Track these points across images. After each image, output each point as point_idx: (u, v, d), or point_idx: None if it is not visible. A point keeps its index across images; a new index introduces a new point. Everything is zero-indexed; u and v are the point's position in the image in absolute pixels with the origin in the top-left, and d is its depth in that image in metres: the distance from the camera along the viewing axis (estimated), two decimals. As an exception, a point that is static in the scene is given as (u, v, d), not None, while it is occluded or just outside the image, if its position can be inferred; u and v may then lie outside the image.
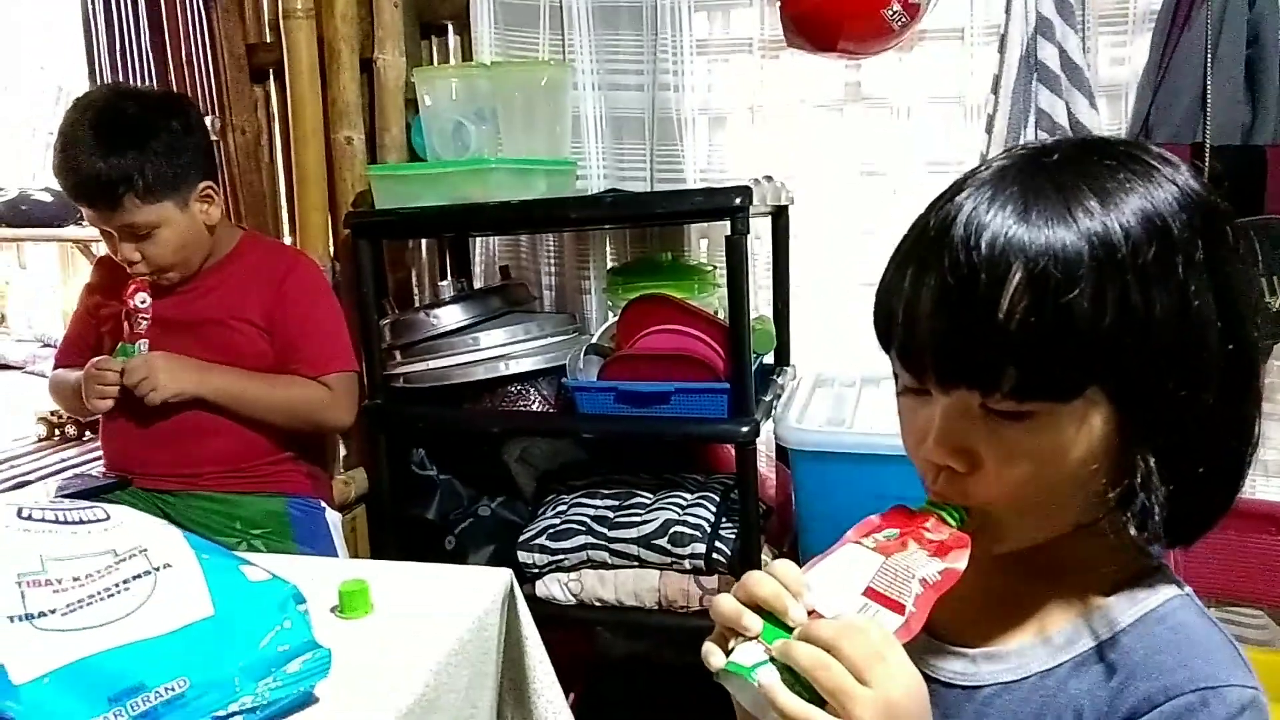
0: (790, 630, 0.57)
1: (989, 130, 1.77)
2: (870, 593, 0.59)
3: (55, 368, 1.78)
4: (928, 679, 0.59)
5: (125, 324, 1.57)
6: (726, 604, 0.59)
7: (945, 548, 0.61)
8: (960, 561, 0.60)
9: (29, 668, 0.69)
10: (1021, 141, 0.57)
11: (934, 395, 0.60)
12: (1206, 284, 0.56)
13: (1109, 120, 1.80)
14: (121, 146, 1.48)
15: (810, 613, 0.58)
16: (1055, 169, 0.58)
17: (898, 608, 0.58)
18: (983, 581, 0.63)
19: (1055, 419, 0.56)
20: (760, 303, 2.01)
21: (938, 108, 1.90)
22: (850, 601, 0.58)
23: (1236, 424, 0.60)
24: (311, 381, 1.63)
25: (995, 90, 1.78)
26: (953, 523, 0.62)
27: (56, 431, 3.02)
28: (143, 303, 1.56)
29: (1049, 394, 0.56)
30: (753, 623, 0.57)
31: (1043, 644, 0.64)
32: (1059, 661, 0.63)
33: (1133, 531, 0.60)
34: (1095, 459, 0.58)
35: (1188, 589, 0.65)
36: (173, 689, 0.74)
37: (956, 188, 0.60)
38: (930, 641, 0.67)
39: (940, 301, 0.56)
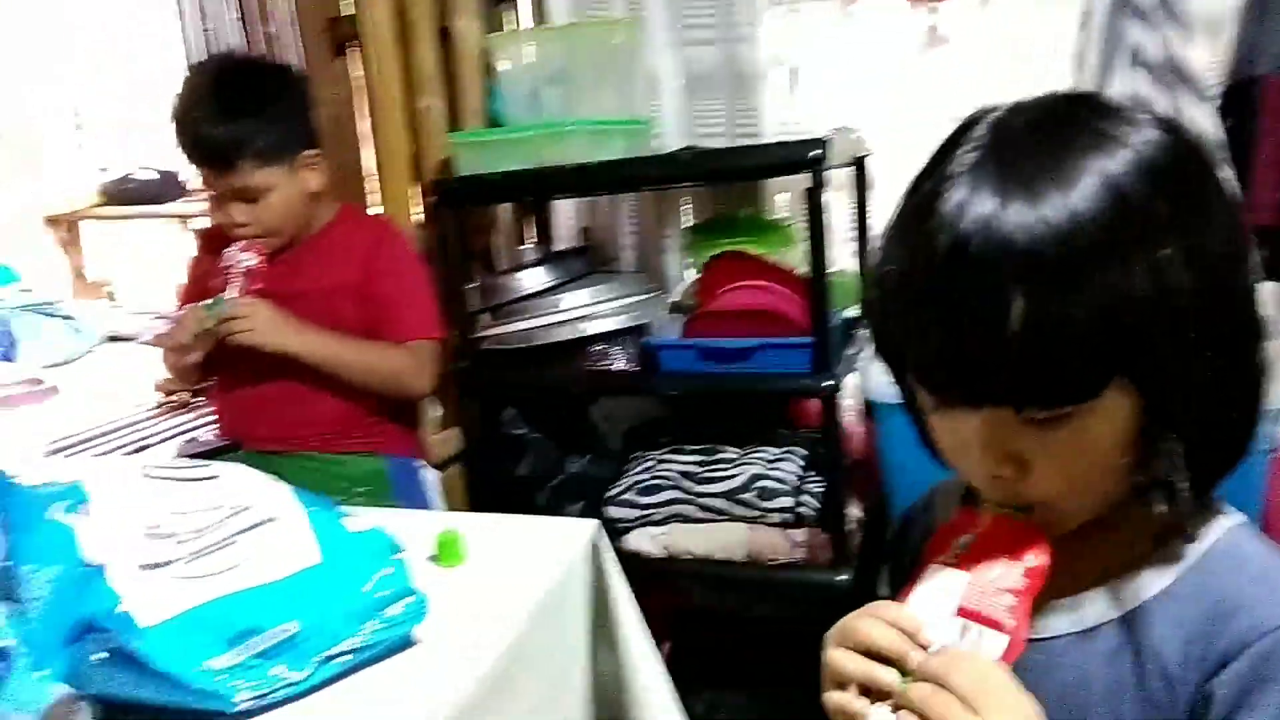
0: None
1: (1079, 70, 1.71)
2: (964, 613, 0.60)
3: None
4: None
5: (222, 280, 1.59)
6: (853, 664, 0.60)
7: (1022, 546, 0.61)
8: (1042, 557, 0.61)
9: (155, 612, 0.75)
10: (1001, 110, 0.55)
11: (965, 410, 0.60)
12: (1179, 248, 0.54)
13: (1208, 54, 1.71)
14: (240, 111, 1.53)
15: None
16: (1024, 164, 0.56)
17: (997, 625, 0.59)
18: None
19: (1091, 414, 0.57)
20: (841, 256, 1.98)
21: (1021, 49, 1.84)
22: (949, 628, 0.60)
23: (1244, 373, 0.60)
24: (397, 348, 1.68)
25: (1084, 28, 1.71)
26: (1019, 517, 0.62)
27: (171, 398, 3.19)
28: (245, 261, 1.58)
29: (1078, 396, 0.56)
30: (888, 675, 0.58)
31: (1108, 591, 0.64)
32: (1127, 609, 0.63)
33: (1159, 510, 0.60)
34: (1130, 442, 0.59)
35: (1240, 515, 0.65)
36: (285, 631, 0.79)
37: (927, 202, 0.58)
38: None
39: (950, 334, 0.56)
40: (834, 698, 0.60)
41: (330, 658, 0.82)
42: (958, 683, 0.55)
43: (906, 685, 0.57)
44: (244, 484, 0.89)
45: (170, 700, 0.72)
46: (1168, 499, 0.60)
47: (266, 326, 1.56)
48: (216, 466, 0.90)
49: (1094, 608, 0.64)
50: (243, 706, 0.75)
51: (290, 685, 0.79)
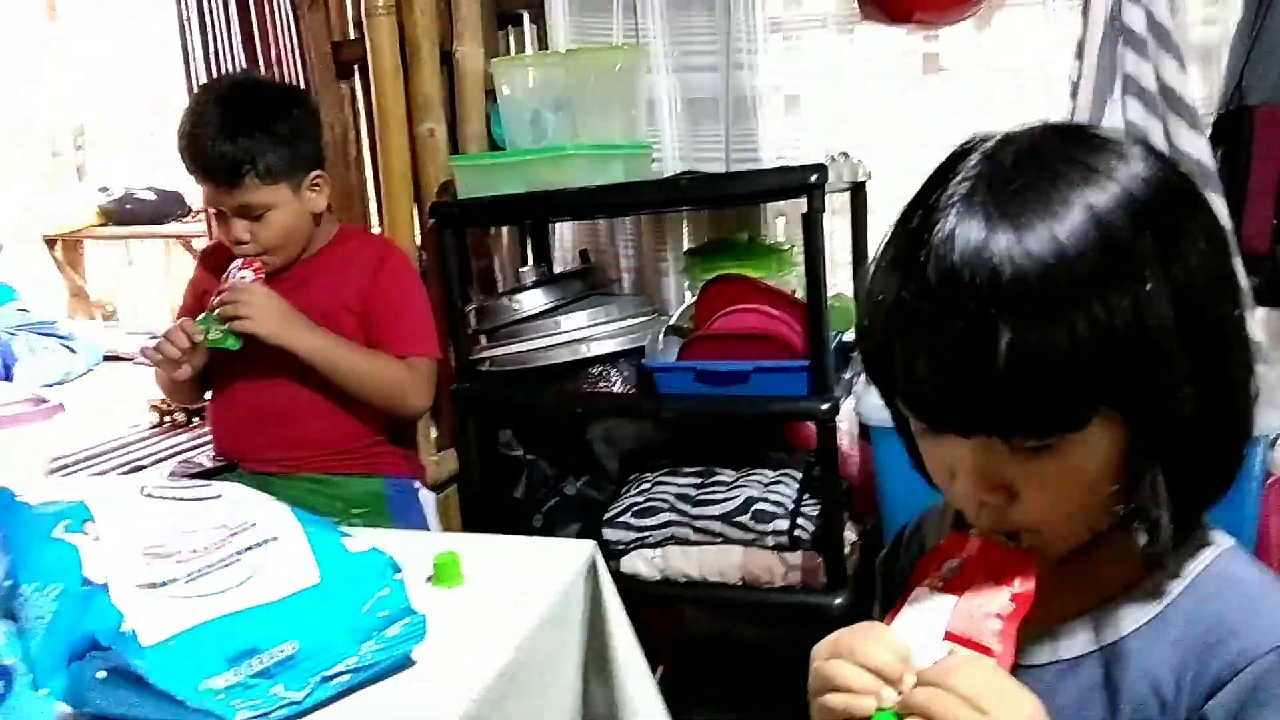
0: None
1: (1074, 98, 1.73)
2: (951, 636, 0.60)
3: None
4: None
5: (214, 297, 1.58)
6: (857, 677, 0.59)
7: (1009, 572, 0.61)
8: (1029, 583, 0.61)
9: (155, 631, 0.75)
10: (992, 141, 0.56)
11: (954, 437, 0.60)
12: (1162, 281, 0.55)
13: (1200, 83, 1.73)
14: (247, 128, 1.55)
15: None
16: (1013, 196, 0.56)
17: (984, 650, 0.59)
18: None
19: (1078, 443, 0.58)
20: (839, 280, 2.00)
21: (1018, 77, 1.86)
22: (935, 651, 0.60)
23: (1230, 404, 0.60)
24: (396, 361, 1.68)
25: (1079, 56, 1.73)
26: (1008, 543, 0.63)
27: (166, 418, 3.19)
28: (245, 279, 1.58)
29: (1064, 426, 0.57)
30: (891, 693, 0.58)
31: (1097, 619, 0.64)
32: (1123, 634, 0.63)
33: (1141, 541, 0.61)
34: (1117, 470, 0.59)
35: (1230, 539, 0.65)
36: (284, 651, 0.79)
37: (918, 232, 0.58)
38: None
39: (942, 363, 0.57)
40: (835, 699, 0.59)
41: (329, 678, 0.82)
42: (961, 684, 0.55)
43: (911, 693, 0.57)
44: (247, 502, 0.89)
45: (170, 719, 0.72)
46: (1150, 529, 0.60)
47: (265, 315, 1.54)
48: (219, 486, 0.90)
49: (1076, 638, 0.64)
50: (241, 726, 0.75)
51: (289, 705, 0.79)
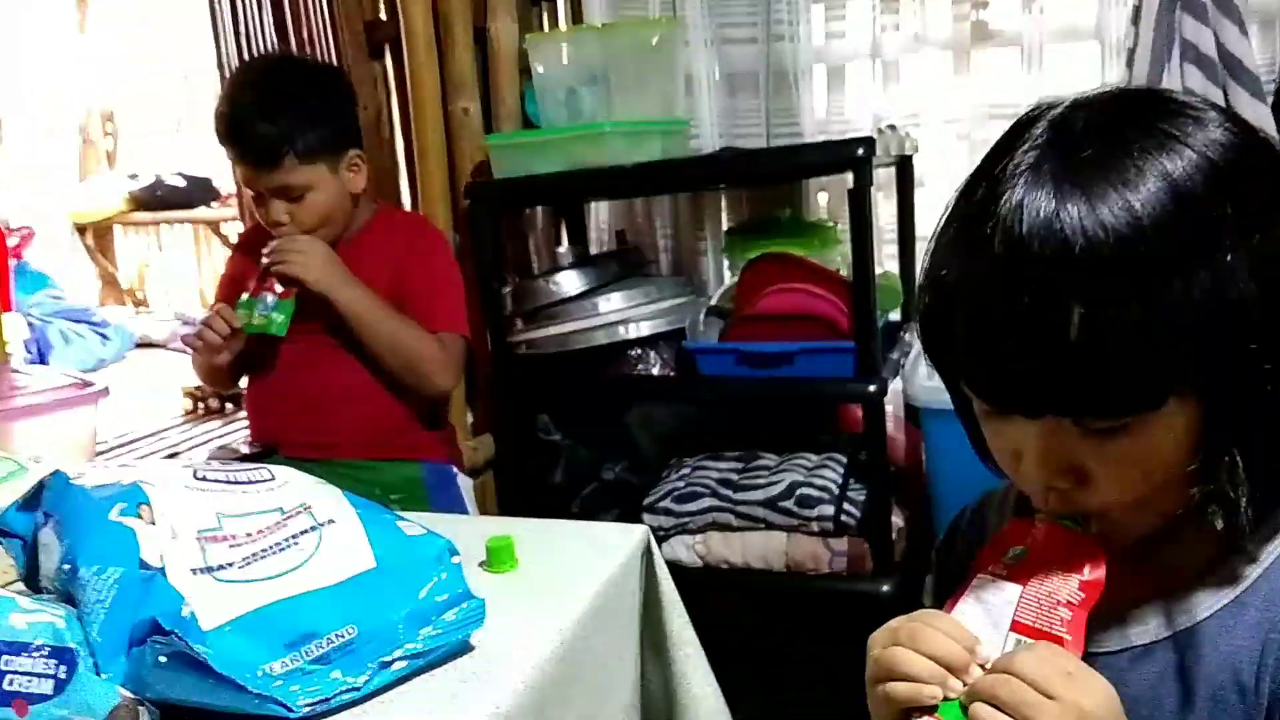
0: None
1: (1129, 65, 1.68)
2: (1018, 627, 0.58)
3: None
4: None
5: (254, 282, 1.58)
6: (921, 666, 0.57)
7: (1078, 559, 0.60)
8: (1099, 570, 0.59)
9: (214, 615, 0.73)
10: (1061, 107, 0.55)
11: (1021, 419, 0.58)
12: (1243, 253, 0.53)
13: (1261, 50, 1.68)
14: (286, 108, 1.53)
15: None
16: (1084, 165, 0.54)
17: (1055, 639, 0.57)
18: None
19: (1152, 423, 0.55)
20: (884, 258, 1.96)
21: (1071, 44, 1.81)
22: (1000, 642, 0.58)
23: None
24: (428, 334, 1.65)
25: (1135, 21, 1.68)
26: (1076, 528, 0.61)
27: (200, 405, 3.20)
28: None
29: (1139, 405, 0.55)
30: (958, 684, 0.57)
31: (1169, 604, 0.62)
32: (1198, 619, 0.61)
33: (1219, 525, 0.58)
34: (1191, 451, 0.57)
35: None
36: (343, 636, 0.77)
37: (984, 204, 0.56)
38: None
39: (1010, 340, 0.55)
40: (900, 688, 0.58)
41: (387, 663, 0.80)
42: (1028, 669, 0.53)
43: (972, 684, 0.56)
44: (300, 485, 0.87)
45: (231, 705, 0.70)
46: (1228, 514, 0.58)
47: (317, 264, 1.54)
48: (272, 468, 0.88)
49: (1149, 625, 0.62)
50: (304, 711, 0.73)
51: (350, 690, 0.77)
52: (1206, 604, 0.61)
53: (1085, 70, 1.80)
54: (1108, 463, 0.57)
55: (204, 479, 0.85)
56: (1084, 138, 0.56)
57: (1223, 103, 1.61)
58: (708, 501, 1.78)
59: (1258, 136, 0.58)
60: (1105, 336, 0.52)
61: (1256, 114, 1.60)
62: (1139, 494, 0.59)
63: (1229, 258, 0.52)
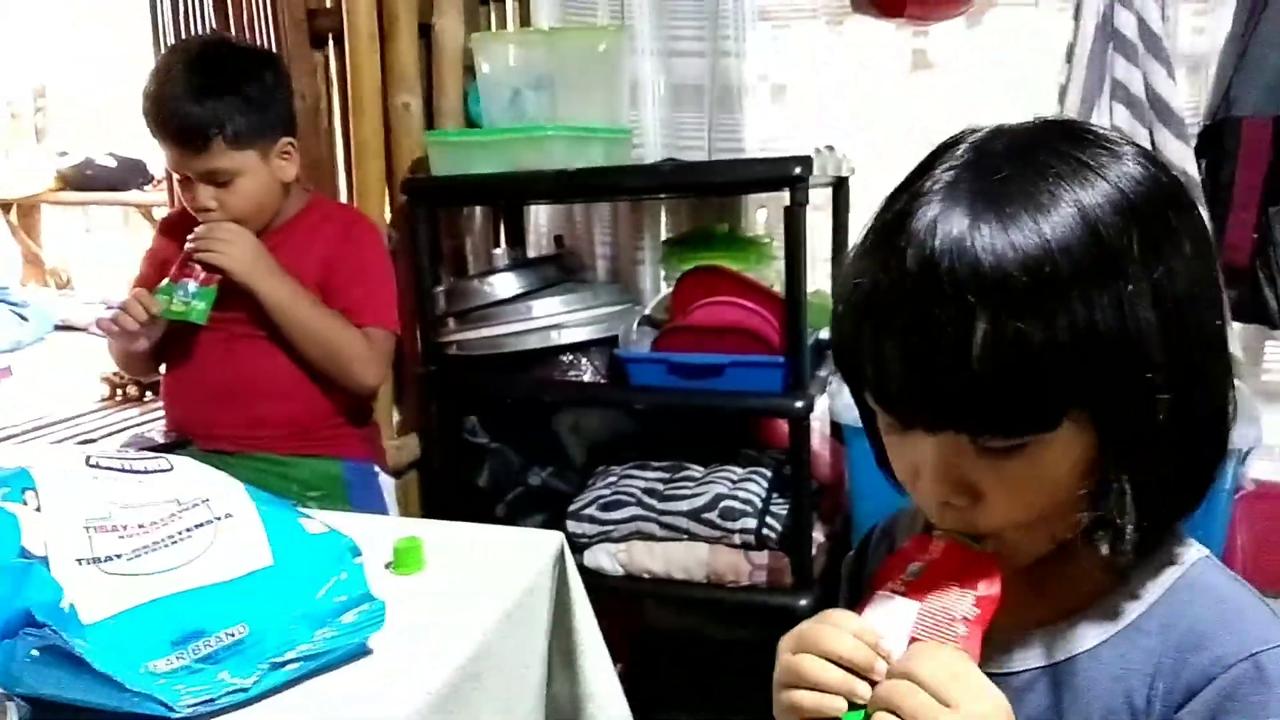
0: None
1: (1061, 101, 1.72)
2: (916, 641, 0.59)
3: None
4: None
5: (177, 267, 1.54)
6: (827, 673, 0.58)
7: (973, 575, 0.60)
8: (994, 587, 0.60)
9: (96, 608, 0.70)
10: (983, 131, 0.56)
11: (920, 433, 0.59)
12: (1145, 283, 0.54)
13: (1188, 92, 1.73)
14: (216, 91, 1.49)
15: None
16: (1000, 187, 0.55)
17: None
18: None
19: (1048, 445, 0.56)
20: (818, 276, 1.97)
21: (1007, 77, 1.85)
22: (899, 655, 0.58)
23: (1205, 416, 0.59)
24: (355, 328, 1.62)
25: (1069, 59, 1.72)
26: (972, 546, 0.61)
27: (119, 392, 3.10)
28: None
29: (1034, 426, 0.56)
30: (865, 688, 0.57)
31: (1050, 635, 0.63)
32: (1071, 654, 0.62)
33: (1104, 550, 0.59)
34: (1085, 476, 0.58)
35: (1203, 548, 0.64)
36: (232, 634, 0.75)
37: (900, 218, 0.57)
38: None
39: (912, 357, 0.56)
40: (805, 697, 0.58)
41: (279, 664, 0.77)
42: (925, 672, 0.54)
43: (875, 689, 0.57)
44: (197, 478, 0.84)
45: (108, 703, 0.68)
46: (1114, 539, 0.59)
47: (241, 254, 1.51)
48: (171, 459, 0.85)
49: (1029, 652, 0.63)
50: (186, 712, 0.70)
51: (237, 691, 0.74)
52: (1089, 636, 0.62)
53: (1019, 103, 1.83)
54: (1002, 483, 0.58)
55: (97, 466, 0.82)
56: (1002, 161, 0.57)
57: (1148, 142, 1.66)
58: (632, 510, 1.78)
59: (1169, 174, 0.59)
60: (1006, 355, 0.53)
61: (1180, 155, 1.65)
62: (1032, 516, 0.60)
63: (1130, 287, 0.54)
